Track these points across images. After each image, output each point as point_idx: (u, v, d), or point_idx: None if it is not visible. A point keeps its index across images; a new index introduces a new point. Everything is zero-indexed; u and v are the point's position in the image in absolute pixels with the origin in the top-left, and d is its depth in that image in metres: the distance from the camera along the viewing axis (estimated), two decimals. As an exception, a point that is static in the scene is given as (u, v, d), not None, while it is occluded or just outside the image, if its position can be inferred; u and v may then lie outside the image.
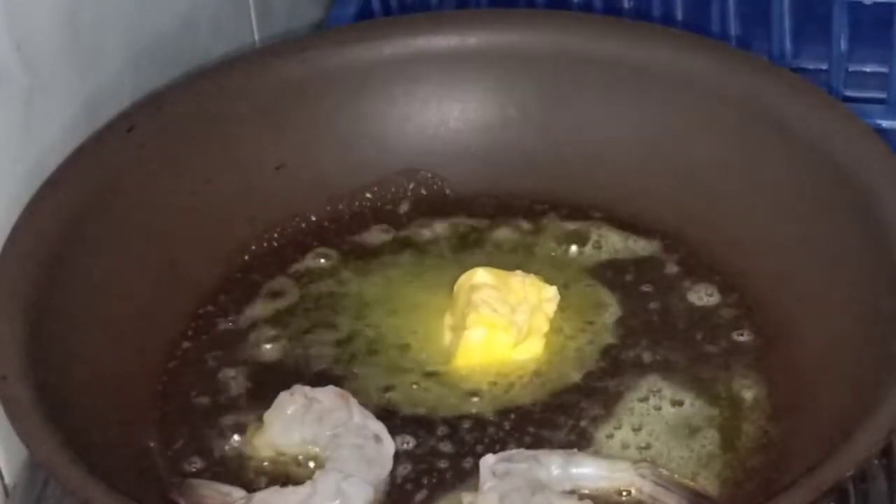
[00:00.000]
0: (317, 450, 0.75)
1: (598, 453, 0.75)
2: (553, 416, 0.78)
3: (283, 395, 0.77)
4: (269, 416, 0.76)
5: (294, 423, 0.75)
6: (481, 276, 0.82)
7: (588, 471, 0.73)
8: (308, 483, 0.73)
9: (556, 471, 0.73)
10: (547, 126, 0.91)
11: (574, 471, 0.73)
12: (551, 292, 0.82)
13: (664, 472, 0.73)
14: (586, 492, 0.73)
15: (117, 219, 0.82)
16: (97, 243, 0.80)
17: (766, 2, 1.00)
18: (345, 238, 0.89)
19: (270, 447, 0.76)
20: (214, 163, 0.88)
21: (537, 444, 0.76)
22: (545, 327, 0.81)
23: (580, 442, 0.76)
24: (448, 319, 0.83)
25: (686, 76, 0.87)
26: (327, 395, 0.76)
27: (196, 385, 0.80)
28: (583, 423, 0.77)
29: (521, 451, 0.74)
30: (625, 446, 0.75)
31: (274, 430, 0.76)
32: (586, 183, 0.90)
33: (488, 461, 0.73)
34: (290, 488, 0.73)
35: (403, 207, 0.91)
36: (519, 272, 0.83)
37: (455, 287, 0.83)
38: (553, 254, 0.87)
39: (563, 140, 0.91)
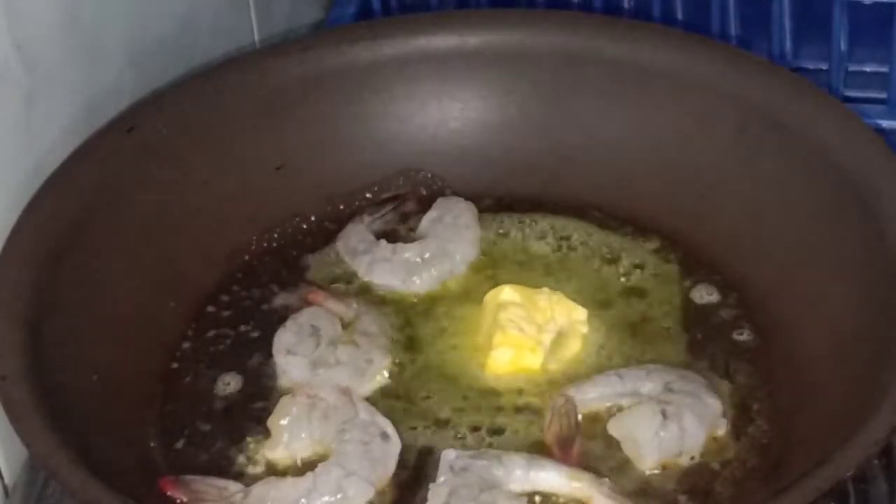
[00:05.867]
0: (328, 448, 0.75)
1: (600, 451, 0.75)
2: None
3: (286, 399, 0.77)
4: (273, 421, 0.76)
5: (300, 423, 0.75)
6: (508, 294, 0.81)
7: (549, 475, 0.73)
8: (308, 475, 0.73)
9: (518, 472, 0.72)
10: (547, 126, 0.91)
11: (535, 474, 0.72)
12: (582, 314, 0.81)
13: (621, 495, 0.72)
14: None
15: (117, 219, 0.82)
16: (97, 243, 0.80)
17: (766, 2, 1.00)
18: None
19: (283, 453, 0.75)
20: (214, 163, 0.88)
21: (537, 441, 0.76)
22: (577, 347, 0.81)
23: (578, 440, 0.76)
24: (476, 335, 0.82)
25: (686, 76, 0.87)
26: (330, 393, 0.76)
27: (196, 386, 0.80)
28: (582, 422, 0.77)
29: (488, 450, 0.74)
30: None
31: (282, 434, 0.75)
32: (586, 182, 0.90)
33: (450, 455, 0.73)
34: (290, 480, 0.73)
35: (403, 207, 0.91)
36: (546, 289, 0.82)
37: (483, 303, 0.83)
38: (553, 253, 0.87)
39: (563, 140, 0.91)
